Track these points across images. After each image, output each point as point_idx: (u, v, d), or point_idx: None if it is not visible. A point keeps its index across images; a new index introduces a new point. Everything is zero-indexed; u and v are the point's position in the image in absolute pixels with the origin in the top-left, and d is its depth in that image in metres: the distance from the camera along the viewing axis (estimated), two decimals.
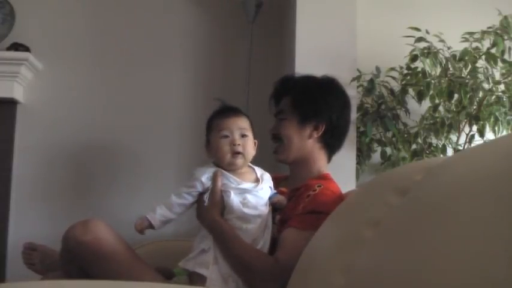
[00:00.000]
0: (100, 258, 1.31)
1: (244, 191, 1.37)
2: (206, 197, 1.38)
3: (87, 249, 1.31)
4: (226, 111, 1.45)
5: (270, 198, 1.42)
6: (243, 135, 1.41)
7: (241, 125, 1.41)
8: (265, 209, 1.38)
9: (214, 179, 1.39)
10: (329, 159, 1.59)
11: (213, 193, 1.37)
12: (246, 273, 1.31)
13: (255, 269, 1.30)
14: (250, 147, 1.41)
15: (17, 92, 2.24)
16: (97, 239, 1.32)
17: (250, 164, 1.45)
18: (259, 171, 1.45)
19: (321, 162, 1.55)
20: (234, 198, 1.35)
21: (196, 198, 1.41)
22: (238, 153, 1.38)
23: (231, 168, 1.40)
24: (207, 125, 1.47)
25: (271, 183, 1.44)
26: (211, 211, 1.36)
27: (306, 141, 1.53)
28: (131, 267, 1.34)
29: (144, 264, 1.37)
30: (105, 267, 1.31)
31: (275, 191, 1.45)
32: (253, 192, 1.38)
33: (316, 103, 1.54)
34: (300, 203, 1.40)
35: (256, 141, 1.46)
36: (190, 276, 1.33)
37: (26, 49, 2.23)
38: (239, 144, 1.38)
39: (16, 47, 2.21)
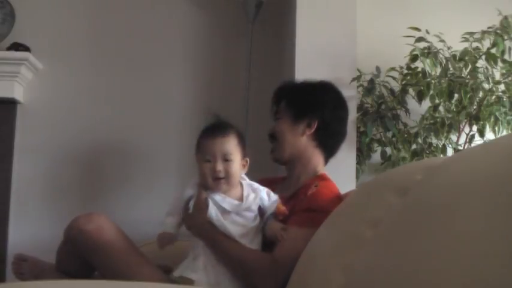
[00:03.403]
0: (101, 246, 1.36)
1: (225, 211, 1.34)
2: (191, 204, 1.37)
3: (89, 237, 1.36)
4: (214, 131, 1.39)
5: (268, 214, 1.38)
6: (227, 160, 1.35)
7: (226, 149, 1.35)
8: (251, 223, 1.36)
9: (199, 187, 1.38)
10: (326, 160, 1.58)
11: (198, 199, 1.36)
12: (244, 274, 1.31)
13: (253, 269, 1.30)
14: (234, 171, 1.35)
15: (17, 92, 2.24)
16: (99, 228, 1.37)
17: (242, 181, 1.41)
18: (247, 189, 1.39)
19: (316, 161, 1.55)
20: (213, 209, 1.34)
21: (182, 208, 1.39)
22: (220, 178, 1.35)
23: (215, 191, 1.37)
24: (196, 144, 1.43)
25: (261, 198, 1.40)
26: (197, 217, 1.35)
27: (299, 138, 1.54)
28: (130, 257, 1.37)
29: (143, 257, 1.39)
30: (105, 256, 1.36)
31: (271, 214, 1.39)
32: (234, 214, 1.35)
33: (309, 100, 1.56)
34: (297, 203, 1.40)
35: (247, 159, 1.41)
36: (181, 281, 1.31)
37: (26, 49, 2.22)
38: (219, 171, 1.34)
39: (16, 47, 2.21)
